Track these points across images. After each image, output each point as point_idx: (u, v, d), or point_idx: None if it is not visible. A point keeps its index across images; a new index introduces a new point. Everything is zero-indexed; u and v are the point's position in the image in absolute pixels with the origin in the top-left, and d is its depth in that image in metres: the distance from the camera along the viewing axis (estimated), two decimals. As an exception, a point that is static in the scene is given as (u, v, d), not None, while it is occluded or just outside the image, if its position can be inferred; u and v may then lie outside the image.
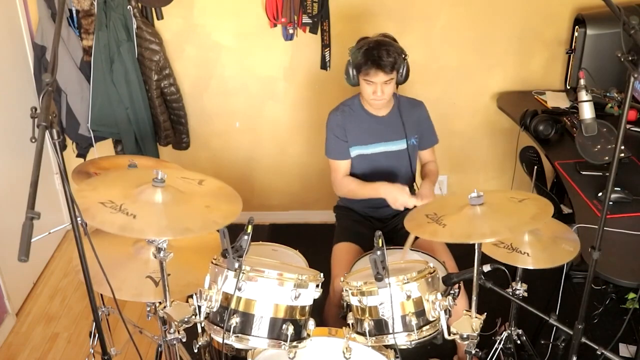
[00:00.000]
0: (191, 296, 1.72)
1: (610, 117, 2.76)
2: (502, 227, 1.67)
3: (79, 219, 1.43)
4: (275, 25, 3.14)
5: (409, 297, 1.74)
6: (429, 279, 1.78)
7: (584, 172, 2.41)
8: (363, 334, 1.78)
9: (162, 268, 1.68)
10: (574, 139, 2.49)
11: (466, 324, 1.75)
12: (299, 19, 3.09)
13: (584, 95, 2.40)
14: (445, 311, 1.75)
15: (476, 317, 1.76)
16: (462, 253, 1.94)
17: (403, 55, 2.30)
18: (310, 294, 1.77)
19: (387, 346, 1.83)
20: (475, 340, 1.75)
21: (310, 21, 3.09)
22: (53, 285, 3.18)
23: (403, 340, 1.75)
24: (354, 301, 1.81)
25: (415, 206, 2.24)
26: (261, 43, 3.23)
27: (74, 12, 3.02)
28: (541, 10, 3.15)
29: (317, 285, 1.79)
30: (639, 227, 2.07)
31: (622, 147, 2.09)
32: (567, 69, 3.14)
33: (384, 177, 2.47)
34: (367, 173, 2.50)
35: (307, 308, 1.78)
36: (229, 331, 1.68)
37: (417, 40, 3.18)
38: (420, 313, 1.75)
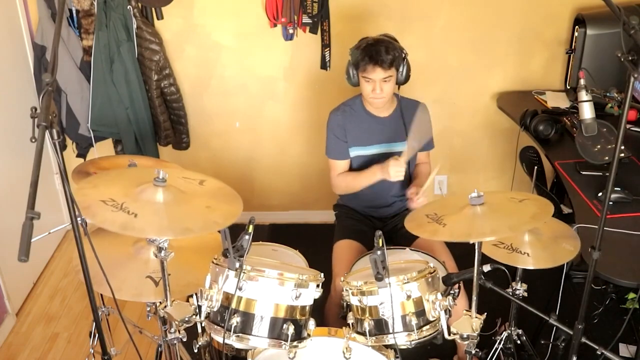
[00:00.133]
0: (191, 296, 1.72)
1: (610, 117, 2.76)
2: (502, 226, 1.67)
3: (79, 218, 1.43)
4: (275, 25, 3.14)
5: (409, 297, 1.74)
6: (429, 279, 1.78)
7: (584, 172, 2.41)
8: (363, 333, 1.78)
9: (163, 268, 1.68)
10: (574, 139, 2.50)
11: (466, 324, 1.75)
12: (299, 19, 3.09)
13: (584, 95, 2.40)
14: (445, 311, 1.75)
15: (476, 317, 1.76)
16: (462, 253, 1.94)
17: (403, 54, 2.30)
18: (311, 293, 1.77)
19: (387, 346, 1.83)
20: (475, 340, 1.75)
21: (310, 21, 3.09)
22: (53, 285, 3.18)
23: (403, 340, 1.75)
24: (354, 301, 1.81)
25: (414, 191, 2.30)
26: (261, 43, 3.23)
27: (74, 12, 3.02)
28: (541, 10, 3.16)
29: (318, 285, 1.79)
30: (639, 227, 2.07)
31: (622, 147, 2.09)
32: (567, 69, 3.14)
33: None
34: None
35: (307, 308, 1.78)
36: (230, 331, 1.68)
37: (417, 40, 3.18)
38: (420, 313, 1.75)
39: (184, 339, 1.78)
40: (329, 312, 2.38)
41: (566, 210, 2.91)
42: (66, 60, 3.05)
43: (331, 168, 2.51)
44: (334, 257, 2.40)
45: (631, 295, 2.54)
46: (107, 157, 2.45)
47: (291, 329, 1.71)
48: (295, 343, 1.73)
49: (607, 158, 2.34)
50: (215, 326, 1.71)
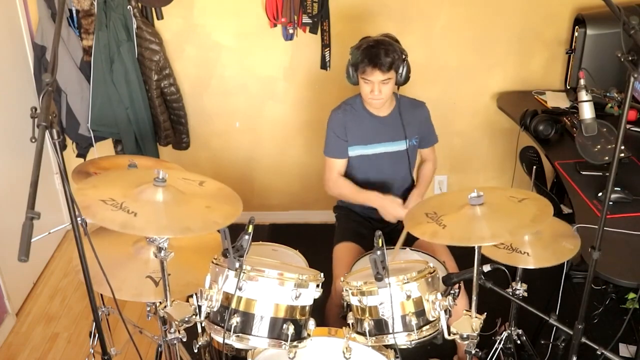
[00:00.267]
0: (191, 296, 1.72)
1: (610, 117, 2.76)
2: (502, 230, 1.66)
3: (79, 218, 1.43)
4: (275, 25, 3.14)
5: (409, 297, 1.74)
6: (429, 279, 1.78)
7: (584, 172, 2.41)
8: (363, 333, 1.78)
9: (162, 268, 1.68)
10: (574, 139, 2.50)
11: (466, 324, 1.75)
12: (299, 19, 3.09)
13: (584, 95, 2.40)
14: (445, 311, 1.74)
15: (476, 317, 1.76)
16: (462, 253, 1.94)
17: (403, 56, 2.30)
18: (311, 293, 1.77)
19: (387, 346, 1.83)
20: (475, 340, 1.75)
21: (310, 21, 3.09)
22: (53, 285, 3.18)
23: (403, 340, 1.75)
24: (354, 301, 1.81)
25: None
26: (261, 43, 3.23)
27: (74, 12, 3.02)
28: (541, 10, 3.16)
29: (318, 285, 1.79)
30: (639, 227, 2.07)
31: (622, 147, 2.09)
32: (567, 69, 3.14)
33: (382, 177, 2.47)
34: (366, 173, 2.50)
35: (307, 308, 1.78)
36: (230, 331, 1.67)
37: (417, 40, 3.18)
38: (420, 313, 1.75)
39: (184, 339, 1.78)
40: (329, 314, 2.38)
41: (566, 210, 2.91)
42: (66, 60, 3.05)
43: (327, 167, 2.51)
44: (334, 260, 2.40)
45: (631, 295, 2.54)
46: (107, 157, 2.45)
47: (291, 329, 1.71)
48: (295, 343, 1.73)
49: (607, 158, 2.34)
50: (215, 326, 1.71)
